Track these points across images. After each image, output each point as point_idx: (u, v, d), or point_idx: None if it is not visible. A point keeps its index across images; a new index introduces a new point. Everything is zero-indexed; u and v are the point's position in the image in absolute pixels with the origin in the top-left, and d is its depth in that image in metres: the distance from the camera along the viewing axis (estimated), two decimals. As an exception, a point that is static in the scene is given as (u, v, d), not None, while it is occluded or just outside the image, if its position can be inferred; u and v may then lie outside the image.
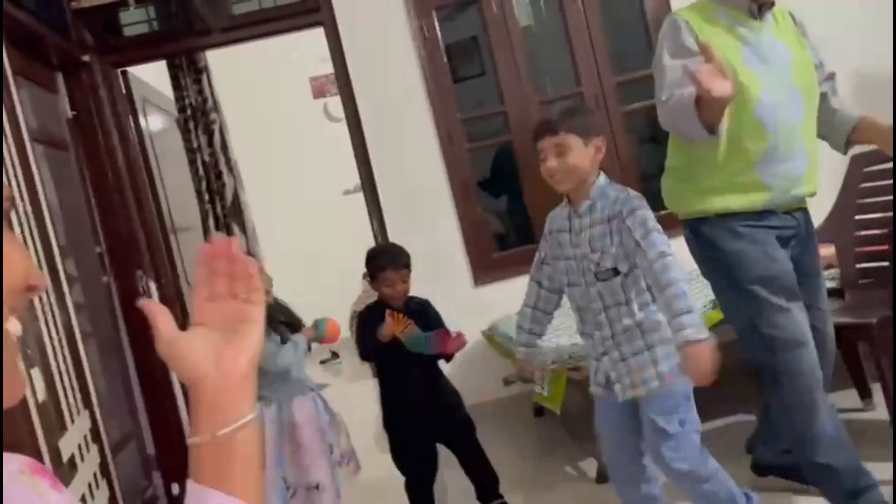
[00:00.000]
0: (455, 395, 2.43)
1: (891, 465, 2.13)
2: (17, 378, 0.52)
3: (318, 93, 5.61)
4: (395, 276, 2.27)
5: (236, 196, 3.55)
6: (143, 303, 0.65)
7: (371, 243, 3.53)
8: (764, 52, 1.82)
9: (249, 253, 3.55)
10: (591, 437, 2.82)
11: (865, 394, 2.62)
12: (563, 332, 2.84)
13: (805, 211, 1.99)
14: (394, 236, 3.50)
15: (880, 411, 2.17)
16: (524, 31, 3.74)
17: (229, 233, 3.53)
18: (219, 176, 3.51)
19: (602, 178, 1.84)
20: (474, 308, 3.41)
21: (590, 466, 2.67)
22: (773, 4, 1.87)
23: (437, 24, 3.55)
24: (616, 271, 1.78)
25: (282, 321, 2.26)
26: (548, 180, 1.82)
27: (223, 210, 3.55)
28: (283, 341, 2.18)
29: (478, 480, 2.45)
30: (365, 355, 2.42)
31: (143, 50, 3.42)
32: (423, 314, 2.31)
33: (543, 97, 3.67)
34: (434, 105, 3.52)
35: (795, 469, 2.01)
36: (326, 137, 5.29)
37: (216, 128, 3.49)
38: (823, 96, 1.97)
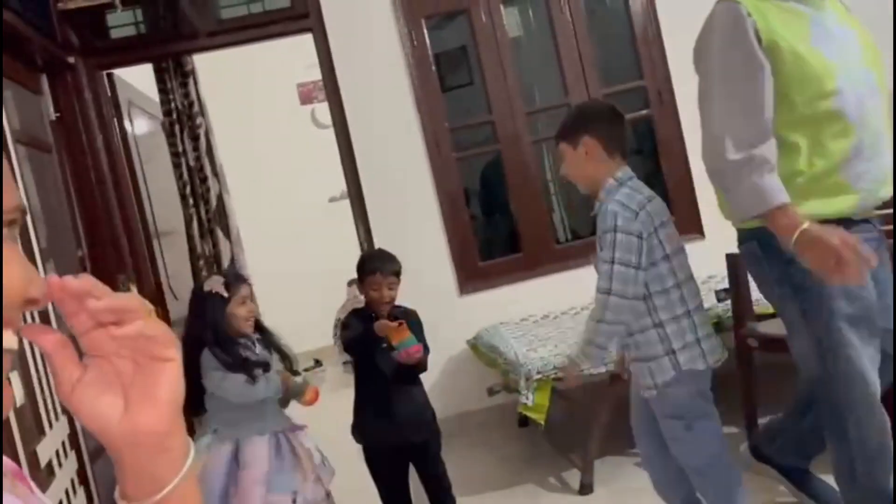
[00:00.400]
0: (429, 408, 2.37)
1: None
2: (8, 391, 0.50)
3: (306, 99, 5.60)
4: (383, 281, 2.25)
5: (221, 200, 3.52)
6: (28, 330, 0.50)
7: (356, 251, 3.52)
8: (833, 31, 1.58)
9: (233, 259, 3.54)
10: (575, 448, 2.82)
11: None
12: (547, 343, 2.85)
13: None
14: (380, 243, 3.48)
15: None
16: (513, 42, 3.75)
17: (213, 237, 3.50)
18: (203, 180, 3.48)
19: (609, 182, 1.82)
20: (459, 317, 3.41)
21: (573, 478, 2.67)
22: None
23: (425, 32, 3.55)
24: None
25: (260, 353, 2.18)
26: None
27: (207, 214, 3.52)
28: (252, 377, 2.08)
29: (436, 499, 2.36)
30: (345, 345, 2.38)
31: (130, 52, 3.39)
32: (406, 323, 2.30)
33: (531, 108, 3.68)
34: (422, 113, 3.52)
35: (796, 473, 1.98)
36: (313, 144, 5.27)
37: (202, 132, 3.47)
38: None
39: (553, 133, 3.74)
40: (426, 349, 2.27)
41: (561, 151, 1.88)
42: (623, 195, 1.80)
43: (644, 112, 3.64)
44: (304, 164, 5.37)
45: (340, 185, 3.74)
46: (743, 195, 1.53)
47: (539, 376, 2.56)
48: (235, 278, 2.22)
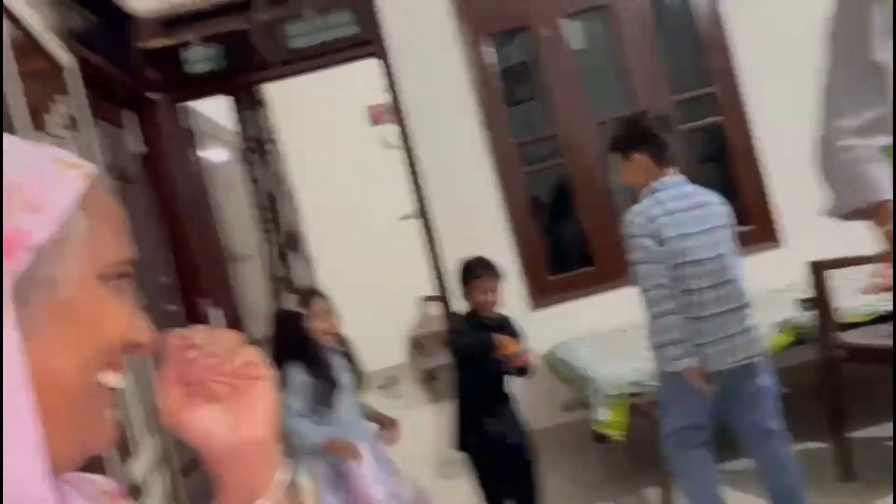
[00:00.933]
0: (525, 428, 2.43)
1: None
2: (104, 427, 0.52)
3: (377, 120, 5.70)
4: (488, 285, 2.32)
5: (293, 225, 3.62)
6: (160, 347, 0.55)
7: (427, 268, 3.56)
8: None
9: (313, 284, 3.62)
10: (656, 464, 2.76)
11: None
12: (621, 357, 2.80)
13: None
14: (450, 261, 3.52)
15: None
16: (578, 54, 3.74)
17: (285, 261, 3.60)
18: (276, 205, 3.59)
19: (645, 191, 2.02)
20: (532, 332, 3.38)
21: (653, 495, 2.60)
22: None
23: (488, 49, 3.58)
24: None
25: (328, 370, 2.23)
26: None
27: (280, 238, 3.62)
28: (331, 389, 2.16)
29: None
30: (456, 349, 2.41)
31: (206, 86, 3.54)
32: (506, 328, 2.36)
33: (599, 119, 3.65)
34: (487, 129, 3.54)
35: None
36: (385, 163, 5.36)
37: (273, 158, 3.58)
38: None
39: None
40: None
41: (613, 160, 2.09)
42: (644, 205, 2.00)
43: (715, 119, 3.56)
44: (376, 184, 5.46)
45: (411, 203, 3.79)
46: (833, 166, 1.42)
47: (613, 392, 2.51)
48: (310, 294, 2.30)
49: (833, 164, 1.44)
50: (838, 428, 2.42)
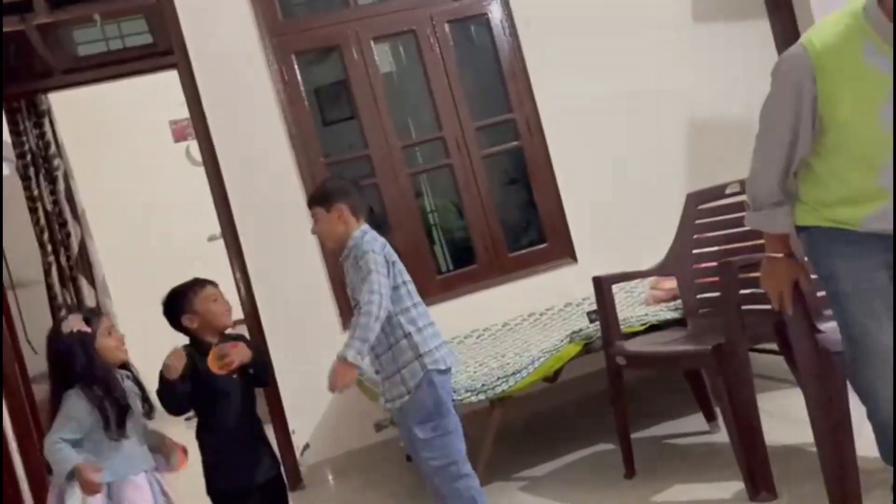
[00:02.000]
0: (277, 462, 2.32)
1: (732, 483, 2.28)
2: None
3: (180, 136, 5.43)
4: (219, 293, 2.25)
5: (84, 246, 3.33)
6: None
7: (234, 291, 3.42)
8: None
9: (98, 306, 3.35)
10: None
11: (710, 417, 2.80)
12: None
13: None
14: (258, 282, 3.41)
15: (724, 432, 2.32)
16: (386, 78, 3.80)
17: (75, 285, 3.30)
18: (63, 225, 3.28)
19: (356, 233, 2.24)
20: (343, 353, 3.36)
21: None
22: None
23: (297, 68, 3.54)
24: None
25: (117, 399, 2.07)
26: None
27: (69, 262, 3.31)
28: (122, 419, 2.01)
29: None
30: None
31: (-24, 92, 3.18)
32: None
33: (406, 141, 3.73)
34: (296, 149, 3.49)
35: None
36: (189, 182, 5.10)
37: (60, 174, 3.28)
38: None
39: (431, 165, 3.83)
40: (264, 365, 2.29)
41: (314, 214, 2.29)
42: (370, 237, 2.24)
43: (515, 143, 3.77)
44: (180, 204, 5.18)
45: (218, 223, 3.63)
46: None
47: (421, 408, 2.55)
48: (93, 312, 2.15)
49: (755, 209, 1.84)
50: (623, 430, 2.63)
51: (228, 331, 2.29)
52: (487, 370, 2.69)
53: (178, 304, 2.24)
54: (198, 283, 2.26)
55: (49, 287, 3.25)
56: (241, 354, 2.16)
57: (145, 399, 2.19)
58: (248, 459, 2.20)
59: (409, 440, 2.24)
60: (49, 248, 3.26)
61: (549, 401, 3.59)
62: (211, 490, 2.20)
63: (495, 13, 3.73)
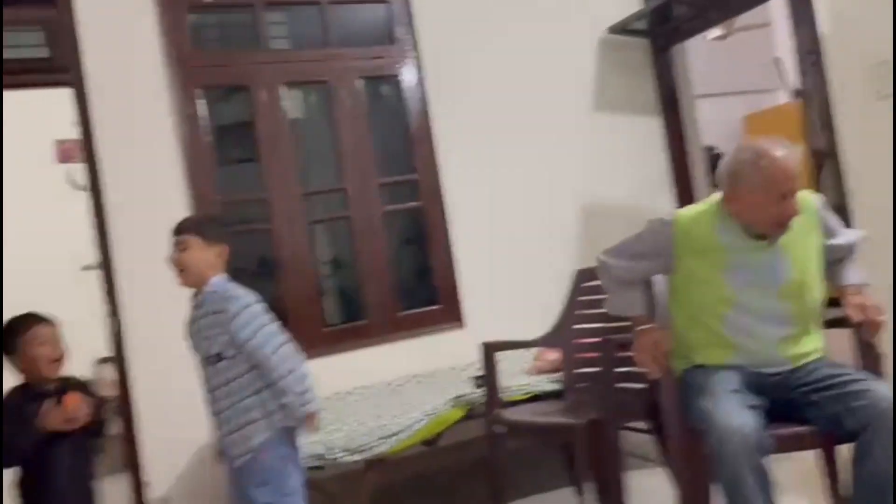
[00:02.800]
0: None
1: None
2: None
3: (65, 157, 5.13)
4: (47, 333, 2.09)
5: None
6: None
7: (104, 324, 3.21)
8: (757, 272, 1.98)
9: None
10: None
11: (580, 491, 2.84)
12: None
13: None
14: (131, 318, 3.21)
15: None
16: (294, 123, 3.78)
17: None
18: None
19: (219, 277, 2.21)
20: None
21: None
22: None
23: (201, 103, 3.45)
24: (219, 357, 2.12)
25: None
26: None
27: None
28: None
29: None
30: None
31: None
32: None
33: (306, 189, 3.68)
34: (191, 185, 3.37)
35: None
36: (68, 207, 4.80)
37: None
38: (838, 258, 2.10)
39: (330, 215, 3.80)
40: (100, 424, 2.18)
41: (186, 241, 2.19)
42: (241, 289, 2.20)
43: (415, 203, 3.81)
44: (55, 228, 4.86)
45: (95, 253, 3.42)
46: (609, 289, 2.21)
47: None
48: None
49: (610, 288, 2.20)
50: (498, 499, 2.62)
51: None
52: (366, 430, 2.63)
53: (4, 341, 2.08)
54: (25, 322, 2.08)
55: None
56: (79, 410, 2.01)
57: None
58: None
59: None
60: None
61: (427, 465, 3.54)
62: None
63: (407, 76, 3.81)
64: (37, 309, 4.84)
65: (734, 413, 1.82)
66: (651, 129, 4.20)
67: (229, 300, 2.14)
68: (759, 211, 1.91)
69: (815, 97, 3.23)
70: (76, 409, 1.96)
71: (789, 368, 2.02)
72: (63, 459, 2.03)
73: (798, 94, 3.80)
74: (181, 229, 2.21)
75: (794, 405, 1.95)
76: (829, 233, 2.08)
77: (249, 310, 2.13)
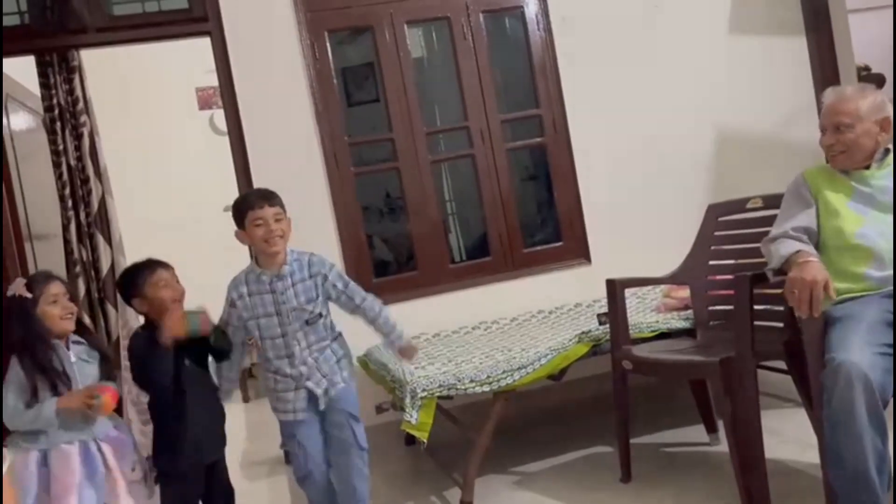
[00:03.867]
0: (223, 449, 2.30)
1: (728, 498, 2.28)
2: None
3: (205, 104, 5.44)
4: (168, 277, 2.19)
5: (104, 204, 3.33)
6: None
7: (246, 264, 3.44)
8: (873, 196, 2.11)
9: (112, 266, 3.37)
10: (457, 466, 2.85)
11: (711, 429, 2.79)
12: (436, 361, 2.87)
13: None
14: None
15: (724, 445, 2.32)
16: (416, 62, 3.80)
17: (92, 242, 3.31)
18: (85, 181, 3.29)
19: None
20: (351, 333, 3.36)
21: (454, 496, 2.69)
22: (886, 152, 2.16)
23: (328, 46, 3.54)
24: (321, 315, 2.30)
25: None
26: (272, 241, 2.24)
27: (88, 218, 3.33)
28: (55, 388, 1.99)
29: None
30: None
31: (12, 43, 3.20)
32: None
33: (430, 128, 3.72)
34: (321, 126, 3.49)
35: None
36: (211, 150, 5.12)
37: (86, 131, 3.28)
38: None
39: (453, 154, 3.83)
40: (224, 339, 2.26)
41: (282, 212, 2.28)
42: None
43: (539, 139, 3.76)
44: (200, 171, 5.20)
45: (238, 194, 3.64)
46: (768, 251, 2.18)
47: (424, 394, 2.56)
48: (45, 278, 2.10)
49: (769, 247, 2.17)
50: (623, 434, 2.63)
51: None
52: (493, 362, 2.70)
53: (128, 286, 2.21)
54: (148, 267, 2.19)
55: (66, 242, 3.26)
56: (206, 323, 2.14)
57: (105, 360, 2.17)
58: (201, 440, 2.17)
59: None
60: (69, 203, 3.27)
61: (552, 399, 3.60)
62: (157, 467, 2.19)
63: (531, 7, 3.71)
64: (180, 246, 5.25)
65: (857, 349, 1.75)
66: (797, 50, 3.88)
67: (322, 262, 2.33)
68: (823, 143, 2.18)
69: None
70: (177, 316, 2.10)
71: None
72: (193, 388, 2.16)
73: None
74: (275, 201, 2.29)
75: None
76: None
77: (335, 266, 2.36)
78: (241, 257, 3.60)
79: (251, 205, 2.26)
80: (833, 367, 1.75)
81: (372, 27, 3.61)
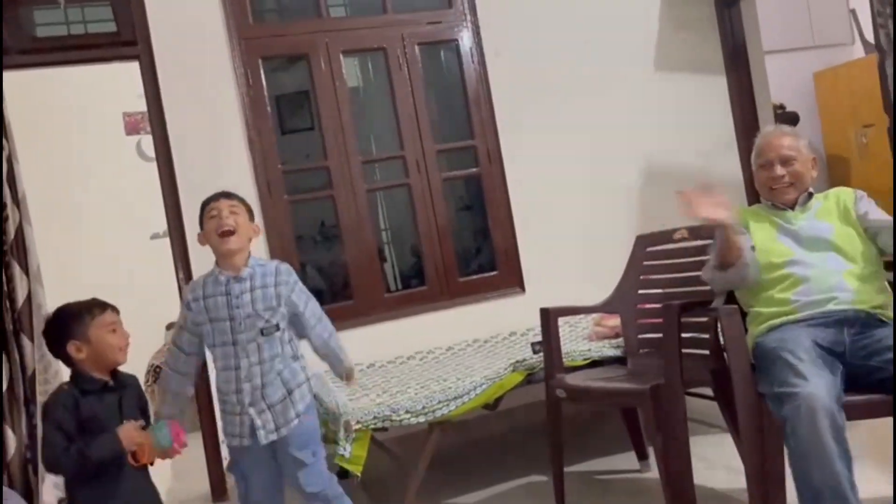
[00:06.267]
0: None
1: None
2: None
3: (132, 129, 5.30)
4: (117, 320, 2.00)
5: (21, 231, 3.18)
6: None
7: (176, 292, 3.34)
8: (799, 234, 2.20)
9: (29, 297, 3.20)
10: (391, 499, 2.80)
11: (642, 455, 2.84)
12: (370, 392, 2.83)
13: None
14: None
15: (655, 471, 2.36)
16: (352, 92, 3.80)
17: (8, 272, 3.15)
18: (2, 208, 3.14)
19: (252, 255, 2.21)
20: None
21: (389, 530, 2.64)
22: (809, 196, 2.27)
23: (262, 73, 3.51)
24: (278, 327, 2.14)
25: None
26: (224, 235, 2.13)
27: (3, 246, 3.17)
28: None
29: None
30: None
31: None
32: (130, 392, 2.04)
33: (366, 157, 3.72)
34: (254, 154, 3.44)
35: None
36: (138, 177, 4.97)
37: (3, 156, 3.14)
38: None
39: (389, 183, 3.83)
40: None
41: (237, 206, 2.19)
42: None
43: (474, 170, 3.80)
44: (126, 198, 5.05)
45: (164, 221, 3.54)
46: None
47: (358, 426, 2.52)
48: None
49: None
50: (557, 462, 2.64)
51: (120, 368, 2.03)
52: (429, 393, 2.68)
53: (65, 327, 1.93)
54: (97, 306, 1.98)
55: (-20, 272, 3.11)
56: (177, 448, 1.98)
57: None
58: None
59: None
60: (-17, 231, 3.12)
61: (487, 428, 3.59)
62: None
63: (465, 41, 3.77)
64: (109, 276, 5.06)
65: (813, 380, 1.80)
66: (718, 88, 4.07)
67: (290, 272, 2.20)
68: (757, 179, 2.31)
69: (891, 51, 3.06)
70: (176, 447, 1.96)
71: (858, 310, 2.02)
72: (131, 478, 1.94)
73: (873, 47, 3.61)
74: (231, 195, 2.21)
75: (873, 371, 1.90)
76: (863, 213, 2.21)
77: (299, 281, 2.24)
78: (169, 289, 3.50)
79: (209, 199, 2.19)
80: (796, 400, 1.77)
81: (307, 55, 3.60)
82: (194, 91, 3.36)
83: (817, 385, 1.78)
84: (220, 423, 2.27)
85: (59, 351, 1.95)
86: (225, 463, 3.33)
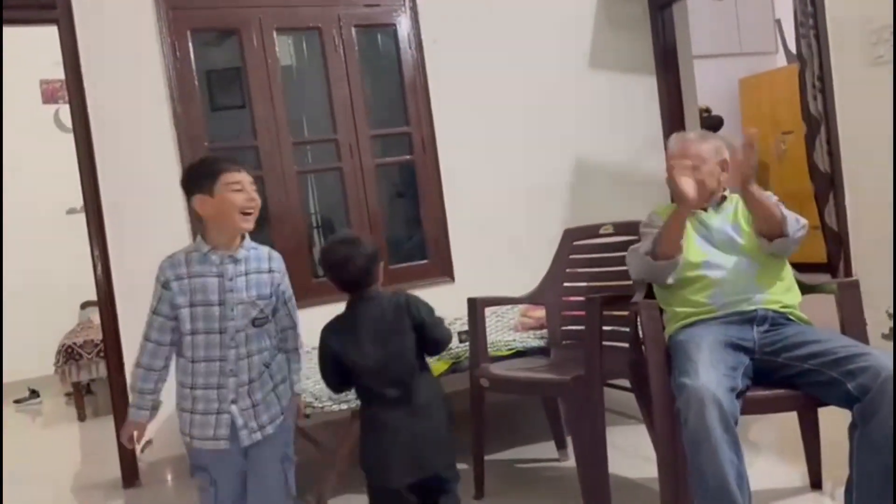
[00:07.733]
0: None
1: (576, 510, 2.37)
2: None
3: (49, 98, 5.04)
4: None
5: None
6: None
7: (91, 271, 3.20)
8: (712, 236, 2.27)
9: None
10: (311, 486, 2.77)
11: (561, 445, 2.89)
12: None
13: None
14: (117, 262, 3.20)
15: (573, 460, 2.41)
16: (285, 71, 3.71)
17: None
18: None
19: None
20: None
21: (306, 518, 2.61)
22: (724, 198, 2.34)
23: (191, 46, 3.38)
24: (268, 319, 1.96)
25: None
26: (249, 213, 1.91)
27: None
28: None
29: None
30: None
31: None
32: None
33: (298, 138, 3.65)
34: (179, 130, 3.32)
35: None
36: (55, 148, 4.75)
37: None
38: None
39: (321, 166, 3.76)
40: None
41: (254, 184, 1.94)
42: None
43: (408, 157, 3.77)
44: (42, 170, 4.81)
45: (81, 196, 3.38)
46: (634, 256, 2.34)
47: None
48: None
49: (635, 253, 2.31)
50: (478, 451, 2.66)
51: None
52: (352, 380, 2.65)
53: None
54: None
55: None
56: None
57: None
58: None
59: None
60: None
61: (410, 416, 3.58)
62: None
63: (403, 26, 3.73)
64: (21, 251, 4.81)
65: (704, 373, 1.86)
66: (648, 88, 4.16)
67: (282, 260, 2.03)
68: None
69: (812, 61, 3.20)
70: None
71: (768, 310, 2.11)
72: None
73: (795, 57, 3.77)
74: (242, 166, 1.93)
75: (781, 367, 1.98)
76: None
77: (286, 274, 2.07)
78: (84, 267, 3.35)
79: (224, 167, 1.86)
80: (686, 392, 1.83)
81: (239, 30, 3.49)
82: (116, 60, 3.21)
83: (708, 377, 1.84)
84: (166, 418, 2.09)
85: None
86: (137, 448, 3.23)
